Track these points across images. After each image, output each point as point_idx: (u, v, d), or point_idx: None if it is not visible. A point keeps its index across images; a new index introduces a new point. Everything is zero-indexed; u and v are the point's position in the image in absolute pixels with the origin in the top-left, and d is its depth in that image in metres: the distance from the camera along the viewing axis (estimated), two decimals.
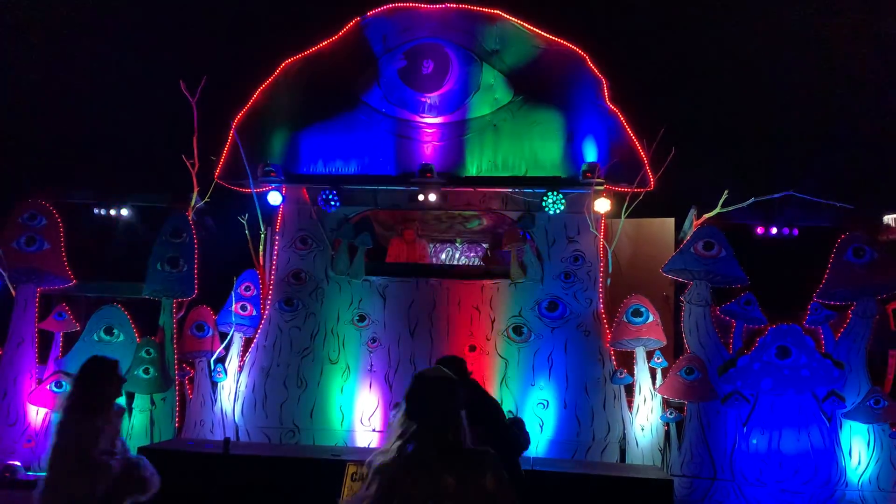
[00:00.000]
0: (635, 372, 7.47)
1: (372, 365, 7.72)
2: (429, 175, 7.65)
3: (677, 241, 8.29)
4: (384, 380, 7.72)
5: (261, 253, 8.14)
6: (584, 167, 7.65)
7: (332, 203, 7.72)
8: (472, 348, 7.26)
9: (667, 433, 7.28)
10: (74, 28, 9.30)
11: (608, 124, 7.78)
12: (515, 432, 4.60)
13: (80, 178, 8.43)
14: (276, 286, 7.97)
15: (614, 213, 7.82)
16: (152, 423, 7.54)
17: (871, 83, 8.99)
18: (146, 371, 7.58)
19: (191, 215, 8.02)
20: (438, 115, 7.96)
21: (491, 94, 7.96)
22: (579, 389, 7.52)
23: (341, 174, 7.95)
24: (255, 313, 7.98)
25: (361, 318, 7.87)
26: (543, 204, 7.57)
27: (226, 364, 7.81)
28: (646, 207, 7.80)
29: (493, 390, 7.41)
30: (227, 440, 6.11)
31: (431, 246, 9.81)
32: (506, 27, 7.92)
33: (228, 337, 7.85)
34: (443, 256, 9.85)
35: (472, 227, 9.44)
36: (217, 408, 7.73)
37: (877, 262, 7.27)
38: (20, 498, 6.69)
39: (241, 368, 7.82)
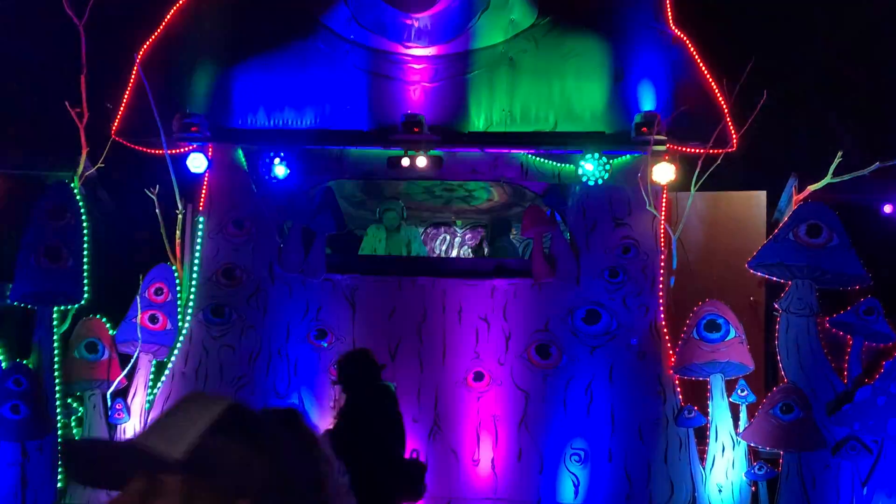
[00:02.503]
0: (710, 410, 7.41)
1: (336, 400, 7.33)
2: (416, 130, 7.53)
3: (771, 224, 8.21)
4: None
5: (178, 241, 8.04)
6: (637, 119, 7.52)
7: (280, 170, 7.65)
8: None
9: (755, 495, 7.32)
10: None
11: (672, 58, 7.74)
12: (409, 474, 5.03)
13: None
14: (201, 288, 7.90)
15: (681, 185, 7.77)
16: (24, 482, 7.35)
17: None
18: (15, 409, 7.29)
19: (79, 187, 7.90)
20: (430, 44, 7.85)
21: (505, 13, 7.91)
22: (631, 434, 7.46)
23: (292, 129, 7.92)
24: (169, 327, 7.90)
25: (321, 334, 7.79)
26: (580, 171, 7.51)
27: (128, 399, 7.69)
28: (726, 176, 7.78)
29: (510, 436, 7.45)
30: None
31: (422, 231, 9.90)
32: None
33: (132, 360, 7.73)
34: (437, 245, 9.92)
35: (479, 205, 9.35)
36: None
37: None
38: None
39: (150, 405, 7.73)
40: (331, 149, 7.92)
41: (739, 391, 7.28)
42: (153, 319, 7.77)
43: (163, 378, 7.78)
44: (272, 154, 7.65)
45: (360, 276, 7.84)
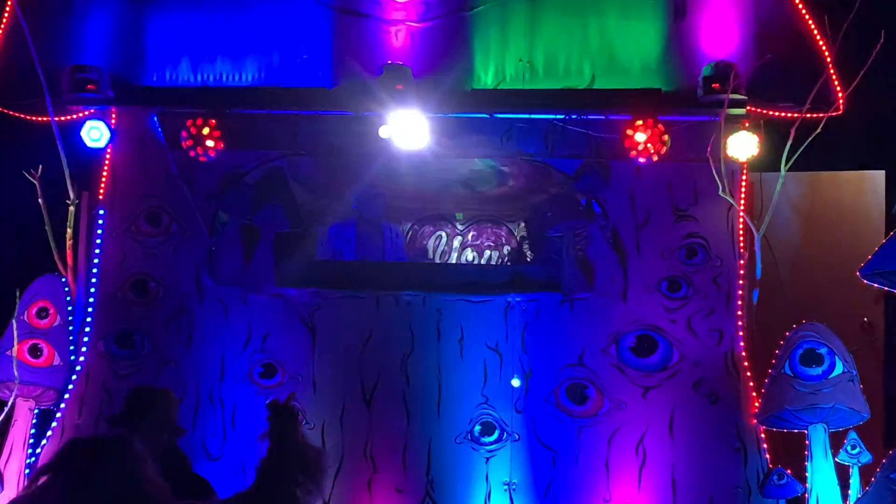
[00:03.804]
0: (808, 474, 6.95)
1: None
2: (400, 87, 7.29)
3: (891, 217, 7.94)
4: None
5: (69, 242, 7.78)
6: (706, 72, 7.26)
7: (210, 144, 7.35)
8: None
9: None
10: None
11: None
12: None
13: None
14: (101, 307, 7.67)
15: (767, 163, 7.50)
16: None
17: None
18: None
19: None
20: None
21: None
22: None
23: (227, 86, 7.77)
24: (57, 361, 7.68)
25: (269, 371, 7.57)
26: (628, 144, 7.26)
27: (0, 462, 7.45)
28: (830, 151, 7.57)
29: None
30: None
31: (409, 228, 9.64)
32: None
33: (6, 408, 7.48)
34: (430, 247, 9.63)
35: (487, 190, 9.04)
36: None
37: None
38: None
39: (30, 470, 7.59)
40: (281, 114, 7.60)
41: (849, 447, 6.85)
42: (35, 352, 7.52)
43: (49, 432, 7.41)
44: (200, 122, 7.30)
45: (321, 291, 7.55)
